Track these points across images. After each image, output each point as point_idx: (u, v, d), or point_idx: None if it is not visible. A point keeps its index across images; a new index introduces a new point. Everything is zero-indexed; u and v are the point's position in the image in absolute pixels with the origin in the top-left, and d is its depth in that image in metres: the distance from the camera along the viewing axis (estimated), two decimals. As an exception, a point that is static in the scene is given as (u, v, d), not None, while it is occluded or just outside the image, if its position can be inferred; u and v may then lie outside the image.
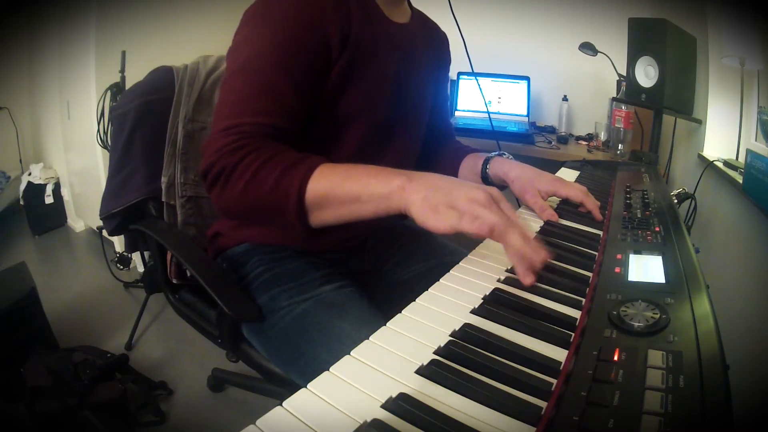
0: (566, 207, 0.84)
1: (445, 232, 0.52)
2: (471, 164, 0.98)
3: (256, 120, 0.65)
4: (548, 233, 0.72)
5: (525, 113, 2.30)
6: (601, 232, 0.74)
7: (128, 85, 1.68)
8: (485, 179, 0.94)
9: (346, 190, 0.60)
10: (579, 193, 0.82)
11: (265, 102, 0.66)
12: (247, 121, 0.65)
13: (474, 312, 0.50)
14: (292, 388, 0.43)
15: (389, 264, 0.95)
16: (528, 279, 0.54)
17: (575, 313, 0.50)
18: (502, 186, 0.93)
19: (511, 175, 0.88)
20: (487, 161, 0.94)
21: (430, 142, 1.02)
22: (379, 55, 0.78)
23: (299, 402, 0.37)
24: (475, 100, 2.31)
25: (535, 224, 0.77)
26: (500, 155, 0.96)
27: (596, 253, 0.65)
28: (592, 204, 0.81)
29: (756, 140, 1.47)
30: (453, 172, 1.01)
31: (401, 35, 0.83)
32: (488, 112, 1.43)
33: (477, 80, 1.80)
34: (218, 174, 0.64)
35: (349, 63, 0.73)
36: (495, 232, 0.52)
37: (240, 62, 0.68)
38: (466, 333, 0.46)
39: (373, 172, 0.60)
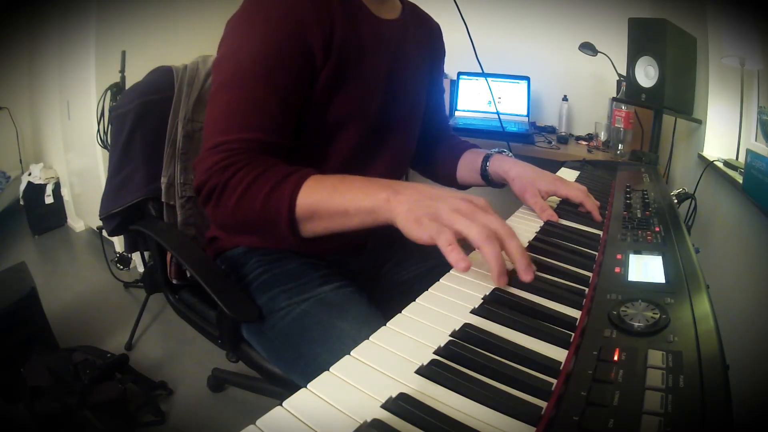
0: (566, 207, 0.84)
1: (426, 243, 0.53)
2: (470, 160, 0.97)
3: (243, 136, 0.66)
4: (548, 233, 0.72)
5: (525, 113, 2.30)
6: (601, 232, 0.74)
7: (128, 85, 1.68)
8: (485, 177, 0.94)
9: (334, 204, 0.61)
10: (579, 194, 0.82)
11: (251, 117, 0.67)
12: (235, 137, 0.66)
13: (474, 312, 0.50)
14: (292, 388, 0.43)
15: (389, 264, 0.95)
16: (501, 282, 0.54)
17: (575, 313, 0.50)
18: (502, 184, 0.93)
19: (511, 173, 0.88)
20: (486, 158, 0.93)
21: (427, 138, 1.01)
22: (367, 57, 0.77)
23: (299, 402, 0.37)
24: (476, 100, 2.32)
25: (535, 224, 0.77)
26: (500, 152, 0.95)
27: (596, 253, 0.65)
28: (591, 205, 0.80)
29: (756, 140, 1.47)
30: (452, 168, 1.00)
31: (391, 33, 0.82)
32: (498, 113, 1.42)
33: (487, 80, 1.80)
34: (210, 192, 0.65)
35: (336, 69, 0.72)
36: (471, 243, 0.52)
37: (224, 77, 0.69)
38: (466, 333, 0.46)
39: (361, 184, 0.61)
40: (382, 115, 0.82)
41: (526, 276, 0.54)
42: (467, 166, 0.97)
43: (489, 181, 0.94)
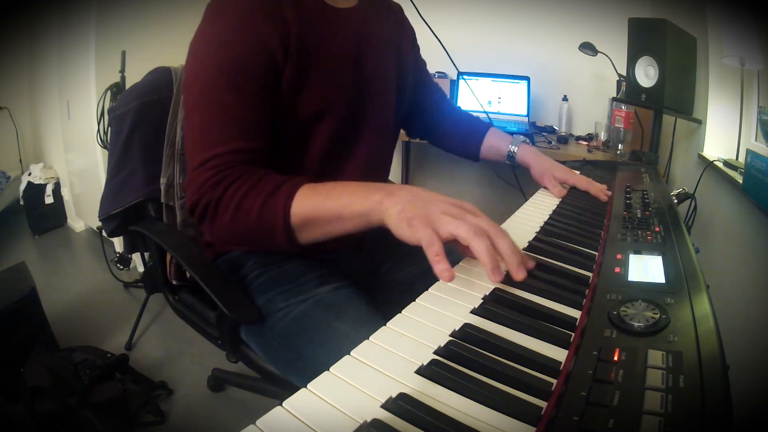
0: (566, 207, 0.84)
1: (415, 245, 0.55)
2: (496, 146, 1.06)
3: (227, 148, 0.67)
4: (548, 233, 0.72)
5: (525, 113, 2.30)
6: (601, 232, 0.74)
7: (128, 85, 1.68)
8: (511, 160, 1.05)
9: (328, 209, 0.63)
10: (583, 182, 0.96)
11: (228, 128, 0.68)
12: (219, 151, 0.67)
13: (474, 312, 0.50)
14: (292, 388, 0.43)
15: (388, 264, 0.95)
16: (495, 278, 0.54)
17: (575, 313, 0.50)
18: (523, 168, 1.05)
19: (533, 162, 1.02)
20: (512, 146, 1.04)
21: (427, 117, 1.07)
22: (329, 51, 0.77)
23: (299, 402, 0.37)
24: (476, 99, 2.31)
25: (535, 224, 0.77)
26: (524, 142, 1.05)
27: (596, 253, 0.65)
28: (596, 189, 0.93)
29: (756, 140, 1.47)
30: (475, 149, 1.08)
31: (350, 22, 0.81)
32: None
33: (462, 80, 1.80)
34: (204, 209, 0.67)
35: (298, 67, 0.73)
36: (461, 242, 0.55)
37: (194, 98, 0.70)
38: (466, 333, 0.46)
39: (353, 189, 0.63)
40: (355, 106, 0.82)
41: (518, 275, 0.55)
42: (493, 149, 1.07)
43: (514, 165, 1.06)
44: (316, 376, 0.40)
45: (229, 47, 0.69)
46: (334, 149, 0.81)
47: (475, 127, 1.09)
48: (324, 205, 0.63)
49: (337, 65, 0.78)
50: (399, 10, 0.98)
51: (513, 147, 1.04)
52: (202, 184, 0.66)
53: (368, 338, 0.45)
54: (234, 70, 0.68)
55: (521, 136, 1.07)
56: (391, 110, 0.92)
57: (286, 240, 0.65)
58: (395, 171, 2.73)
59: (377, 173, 0.93)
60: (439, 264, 0.53)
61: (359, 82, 0.81)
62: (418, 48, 1.04)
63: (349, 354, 0.43)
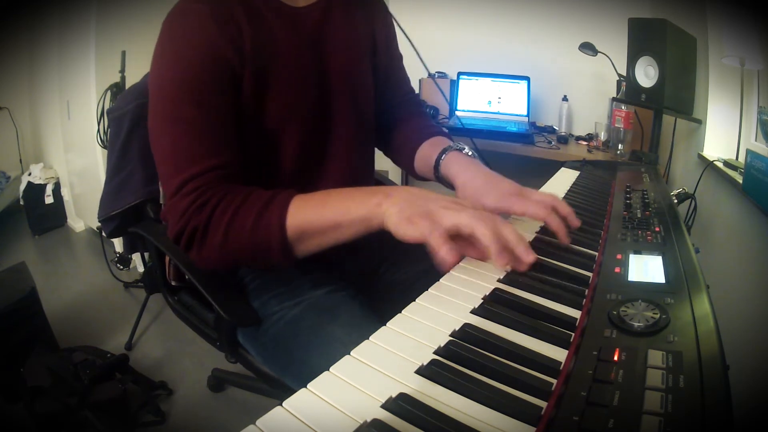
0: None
1: (417, 241, 0.55)
2: (427, 155, 0.85)
3: (201, 167, 0.64)
4: (548, 233, 0.72)
5: (525, 113, 2.30)
6: (601, 232, 0.74)
7: (128, 85, 1.68)
8: (438, 177, 0.84)
9: (325, 219, 0.61)
10: (538, 211, 0.66)
11: (198, 146, 0.66)
12: (194, 172, 0.64)
13: (474, 312, 0.50)
14: (291, 389, 0.44)
15: (386, 264, 0.94)
16: (501, 261, 0.54)
17: (575, 313, 0.50)
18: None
19: (459, 179, 0.77)
20: (441, 155, 0.82)
21: (389, 115, 0.95)
22: (287, 52, 0.73)
23: (299, 402, 0.37)
24: (476, 100, 2.32)
25: (535, 224, 0.77)
26: (459, 149, 0.82)
27: (596, 253, 0.65)
28: (556, 224, 0.65)
29: (756, 140, 1.47)
30: (409, 159, 0.91)
31: (309, 21, 0.76)
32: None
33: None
34: (192, 235, 0.64)
35: (256, 72, 0.70)
36: (463, 231, 0.54)
37: (159, 121, 0.67)
38: (466, 333, 0.46)
39: (348, 195, 0.62)
40: (321, 109, 0.78)
41: (528, 257, 0.55)
42: (424, 160, 0.87)
43: (441, 179, 0.83)
44: (312, 378, 0.39)
45: (185, 62, 0.66)
46: (307, 153, 0.78)
47: (417, 134, 0.89)
48: (321, 214, 0.61)
49: (298, 66, 0.75)
50: (376, 2, 0.90)
51: (442, 155, 0.80)
52: (185, 209, 0.63)
53: (363, 340, 0.45)
54: (193, 83, 0.66)
55: (462, 146, 0.82)
56: (368, 106, 0.87)
57: (281, 255, 0.63)
58: (395, 171, 2.73)
59: (362, 171, 0.89)
60: (441, 249, 0.52)
61: (323, 85, 0.78)
62: (394, 38, 0.94)
63: (349, 354, 0.43)
